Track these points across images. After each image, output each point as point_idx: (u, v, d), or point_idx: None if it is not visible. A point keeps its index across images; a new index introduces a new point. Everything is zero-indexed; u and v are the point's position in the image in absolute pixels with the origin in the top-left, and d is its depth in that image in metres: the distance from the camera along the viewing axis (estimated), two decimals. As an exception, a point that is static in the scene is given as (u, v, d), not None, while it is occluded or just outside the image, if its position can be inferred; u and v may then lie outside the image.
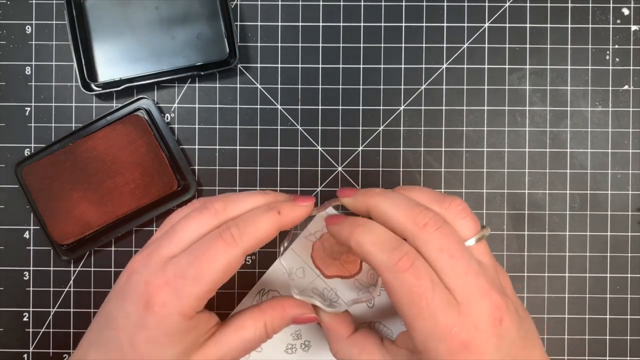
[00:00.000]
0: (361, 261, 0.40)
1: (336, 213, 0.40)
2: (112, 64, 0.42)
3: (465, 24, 0.43)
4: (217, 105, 0.43)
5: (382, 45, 0.43)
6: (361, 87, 0.43)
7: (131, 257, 0.32)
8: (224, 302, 0.43)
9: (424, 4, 0.43)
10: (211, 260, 0.30)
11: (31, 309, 0.43)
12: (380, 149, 0.43)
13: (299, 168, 0.43)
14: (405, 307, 0.29)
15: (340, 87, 0.43)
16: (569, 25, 0.43)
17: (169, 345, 0.30)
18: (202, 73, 0.42)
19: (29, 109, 0.43)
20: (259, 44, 0.43)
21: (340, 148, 0.43)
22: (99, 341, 0.30)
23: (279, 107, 0.43)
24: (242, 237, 0.31)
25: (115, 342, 0.30)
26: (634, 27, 0.43)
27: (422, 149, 0.43)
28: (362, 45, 0.43)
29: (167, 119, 0.43)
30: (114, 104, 0.43)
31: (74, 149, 0.41)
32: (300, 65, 0.43)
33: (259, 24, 0.43)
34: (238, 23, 0.43)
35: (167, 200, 0.42)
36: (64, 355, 0.43)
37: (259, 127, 0.43)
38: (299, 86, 0.43)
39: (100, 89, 0.42)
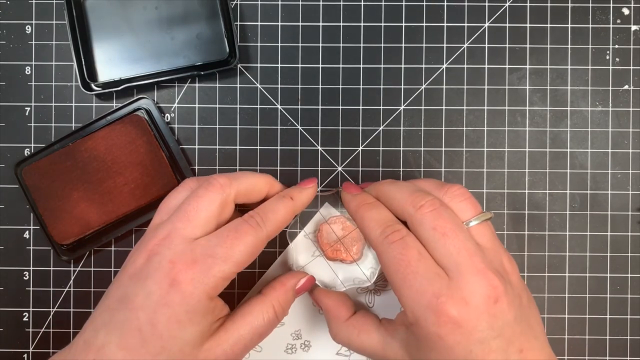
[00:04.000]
0: (362, 249, 0.41)
1: (337, 212, 0.41)
2: (112, 64, 0.42)
3: (465, 24, 0.43)
4: (217, 105, 0.43)
5: (382, 45, 0.43)
6: (361, 87, 0.43)
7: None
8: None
9: (424, 4, 0.43)
10: (239, 242, 0.31)
11: (31, 309, 0.43)
12: (380, 149, 0.43)
13: (299, 168, 0.43)
14: (392, 276, 0.30)
15: (340, 87, 0.43)
16: (569, 25, 0.43)
17: (188, 325, 0.30)
18: (202, 73, 0.42)
19: (29, 109, 0.43)
20: (259, 44, 0.43)
21: (340, 148, 0.43)
22: (111, 323, 0.30)
23: (279, 107, 0.43)
24: (265, 223, 0.33)
25: (132, 323, 0.29)
26: (634, 27, 0.43)
27: (422, 149, 0.43)
28: (362, 45, 0.43)
29: (167, 119, 0.43)
30: (113, 104, 0.43)
31: (74, 149, 0.41)
32: (300, 65, 0.43)
33: (259, 24, 0.43)
34: (238, 23, 0.43)
35: (167, 200, 0.42)
36: (64, 355, 0.43)
37: (259, 127, 0.43)
38: (299, 86, 0.43)
39: (100, 88, 0.42)
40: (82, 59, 0.42)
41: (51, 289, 0.43)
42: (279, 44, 0.43)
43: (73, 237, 0.41)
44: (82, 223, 0.41)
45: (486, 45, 0.43)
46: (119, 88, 0.42)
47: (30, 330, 0.43)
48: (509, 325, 0.29)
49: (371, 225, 0.32)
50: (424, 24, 0.43)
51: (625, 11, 0.43)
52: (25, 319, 0.43)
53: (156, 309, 0.29)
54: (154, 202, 0.41)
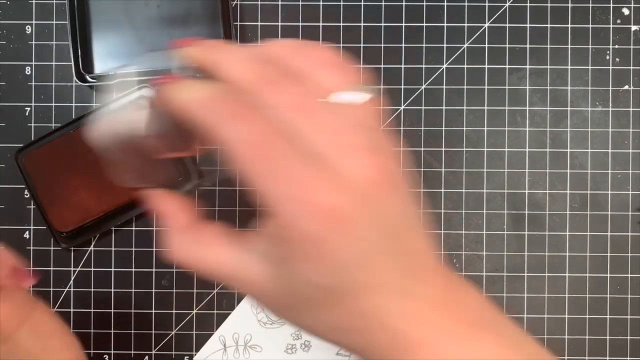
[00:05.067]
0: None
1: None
2: (109, 57, 0.42)
3: (465, 24, 0.43)
4: (217, 105, 0.43)
5: (382, 45, 0.43)
6: (361, 87, 0.43)
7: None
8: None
9: (424, 4, 0.43)
10: None
11: (31, 309, 0.43)
12: (380, 148, 0.43)
13: (299, 168, 0.43)
14: (249, 166, 0.22)
15: (340, 87, 0.43)
16: (569, 25, 0.43)
17: None
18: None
19: (29, 109, 0.43)
20: (258, 44, 0.43)
21: (340, 148, 0.43)
22: None
23: (279, 107, 0.43)
24: None
25: None
26: (634, 27, 0.43)
27: (422, 149, 0.43)
28: (362, 45, 0.43)
29: (167, 118, 0.43)
30: (114, 103, 0.43)
31: (75, 136, 0.41)
32: (300, 65, 0.43)
33: (259, 24, 0.43)
34: (238, 23, 0.43)
35: (167, 192, 0.42)
36: (64, 355, 0.43)
37: (259, 127, 0.43)
38: (299, 86, 0.43)
39: (95, 81, 0.42)
40: (79, 50, 0.41)
41: (51, 289, 0.43)
42: (279, 44, 0.43)
43: (72, 225, 0.41)
44: (81, 211, 0.40)
45: (486, 46, 0.43)
46: (113, 82, 0.42)
47: (30, 330, 0.43)
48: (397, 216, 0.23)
49: (196, 107, 0.23)
50: (424, 24, 0.43)
51: (625, 11, 0.43)
52: (24, 318, 0.43)
53: None
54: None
